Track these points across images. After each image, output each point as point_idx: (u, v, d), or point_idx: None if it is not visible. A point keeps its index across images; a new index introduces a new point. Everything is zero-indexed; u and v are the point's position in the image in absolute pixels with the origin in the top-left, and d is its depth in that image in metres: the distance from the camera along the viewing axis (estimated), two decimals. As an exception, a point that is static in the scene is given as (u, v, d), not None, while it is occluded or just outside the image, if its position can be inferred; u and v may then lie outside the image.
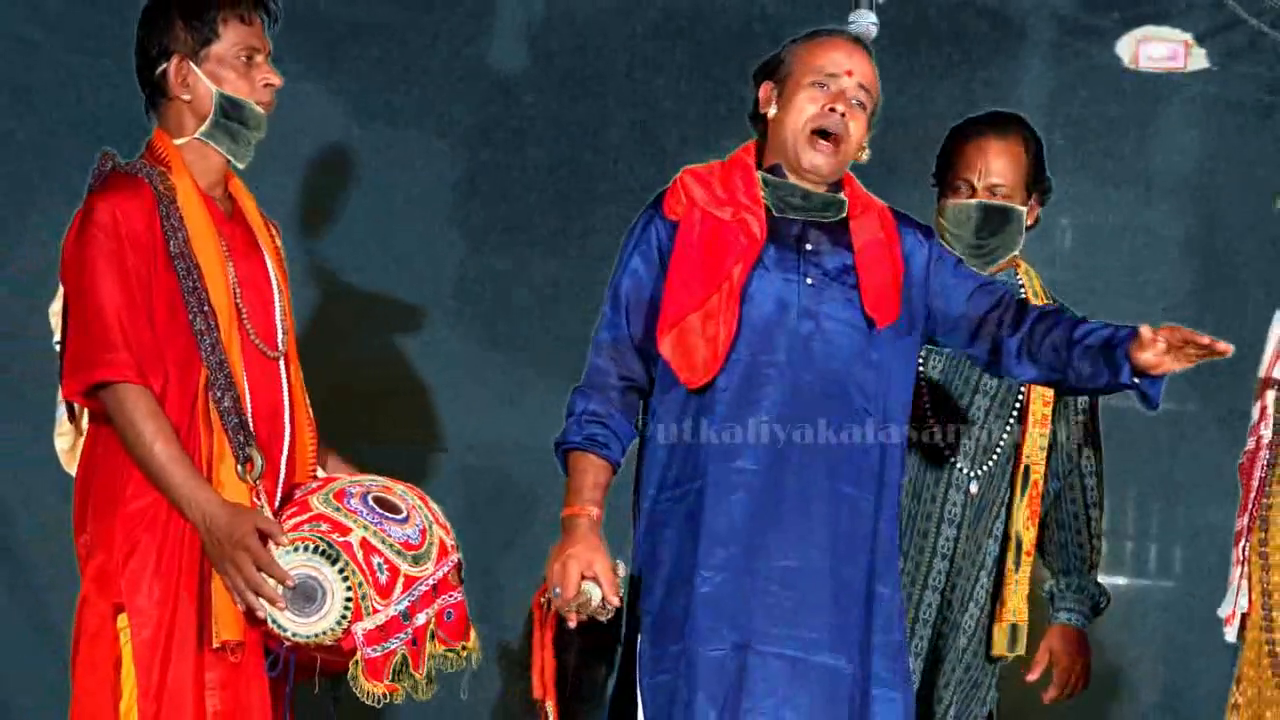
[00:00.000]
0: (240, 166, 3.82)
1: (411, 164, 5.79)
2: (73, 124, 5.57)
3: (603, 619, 3.76)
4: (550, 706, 3.74)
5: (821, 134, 3.83)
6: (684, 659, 3.71)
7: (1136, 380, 3.69)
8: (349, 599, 3.59)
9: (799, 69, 3.86)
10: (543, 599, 3.74)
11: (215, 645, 3.61)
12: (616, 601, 3.71)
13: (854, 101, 3.84)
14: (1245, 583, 3.88)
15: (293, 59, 4.49)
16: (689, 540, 3.76)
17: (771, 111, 3.88)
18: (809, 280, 3.82)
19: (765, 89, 3.91)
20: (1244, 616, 3.90)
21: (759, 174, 3.89)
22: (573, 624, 3.71)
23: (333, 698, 3.70)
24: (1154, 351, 3.64)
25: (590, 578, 3.69)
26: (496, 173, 5.84)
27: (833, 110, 3.82)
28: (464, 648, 3.74)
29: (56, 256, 3.67)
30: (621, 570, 3.77)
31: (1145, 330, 3.66)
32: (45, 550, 5.54)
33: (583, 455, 3.80)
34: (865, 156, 3.90)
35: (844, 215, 3.89)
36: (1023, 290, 4.40)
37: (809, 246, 3.84)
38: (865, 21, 5.23)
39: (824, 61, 3.84)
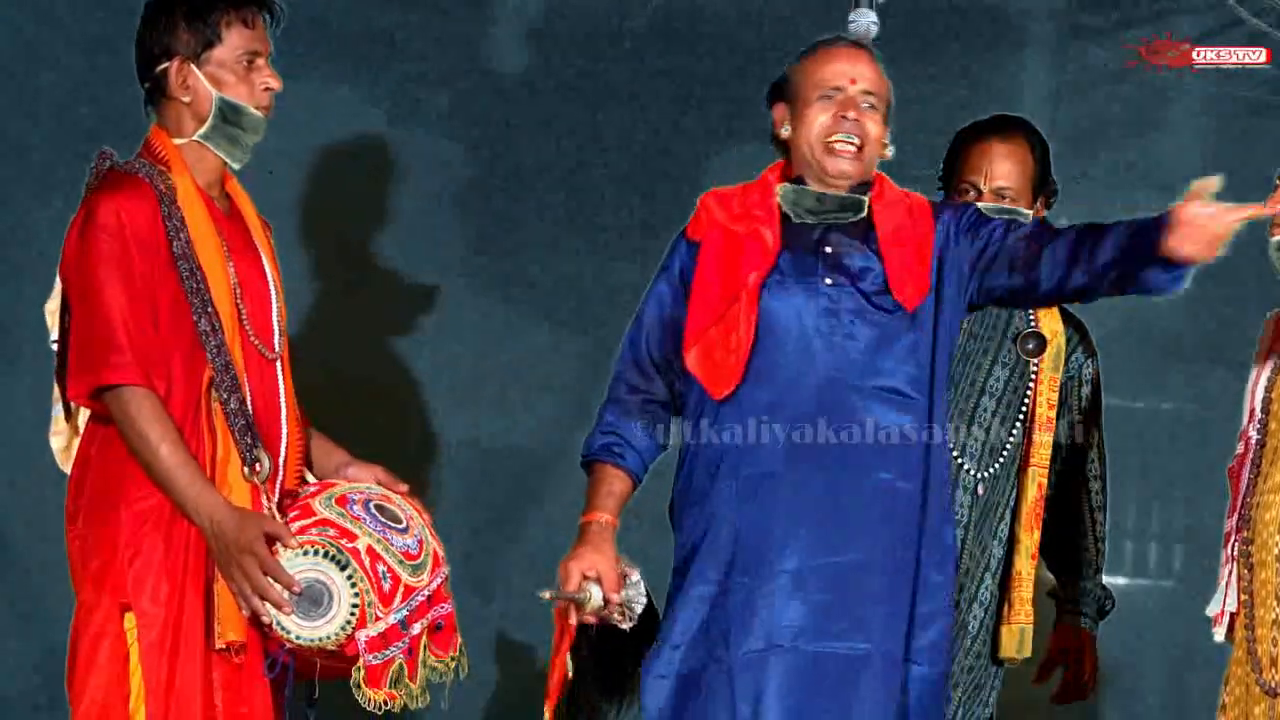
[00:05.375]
0: (236, 167, 3.80)
1: (417, 164, 5.79)
2: (74, 124, 5.57)
3: (624, 626, 3.79)
4: (548, 711, 3.77)
5: (839, 141, 3.87)
6: (719, 659, 3.76)
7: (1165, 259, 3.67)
8: (355, 605, 3.58)
9: (805, 85, 3.92)
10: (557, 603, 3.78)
11: (219, 646, 3.59)
12: (616, 600, 3.78)
13: (864, 105, 3.89)
14: (1234, 582, 3.90)
15: (309, 62, 4.50)
16: (723, 544, 3.81)
17: (785, 131, 3.95)
18: (827, 281, 3.85)
19: (779, 111, 3.97)
20: (1232, 616, 3.92)
21: (778, 185, 3.94)
22: (573, 622, 3.77)
23: (307, 703, 3.71)
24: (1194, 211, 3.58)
25: (592, 578, 3.76)
26: (499, 172, 5.85)
27: (844, 118, 3.87)
28: (453, 658, 3.75)
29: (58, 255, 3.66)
30: (634, 575, 3.81)
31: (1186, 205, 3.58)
32: (39, 551, 5.56)
33: (599, 465, 3.93)
34: (890, 153, 3.94)
35: (864, 214, 3.91)
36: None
37: (828, 249, 3.88)
38: (865, 21, 5.23)
39: (827, 74, 3.90)
